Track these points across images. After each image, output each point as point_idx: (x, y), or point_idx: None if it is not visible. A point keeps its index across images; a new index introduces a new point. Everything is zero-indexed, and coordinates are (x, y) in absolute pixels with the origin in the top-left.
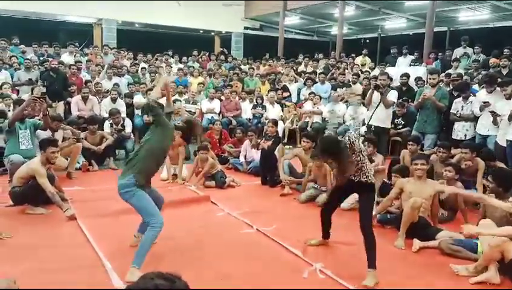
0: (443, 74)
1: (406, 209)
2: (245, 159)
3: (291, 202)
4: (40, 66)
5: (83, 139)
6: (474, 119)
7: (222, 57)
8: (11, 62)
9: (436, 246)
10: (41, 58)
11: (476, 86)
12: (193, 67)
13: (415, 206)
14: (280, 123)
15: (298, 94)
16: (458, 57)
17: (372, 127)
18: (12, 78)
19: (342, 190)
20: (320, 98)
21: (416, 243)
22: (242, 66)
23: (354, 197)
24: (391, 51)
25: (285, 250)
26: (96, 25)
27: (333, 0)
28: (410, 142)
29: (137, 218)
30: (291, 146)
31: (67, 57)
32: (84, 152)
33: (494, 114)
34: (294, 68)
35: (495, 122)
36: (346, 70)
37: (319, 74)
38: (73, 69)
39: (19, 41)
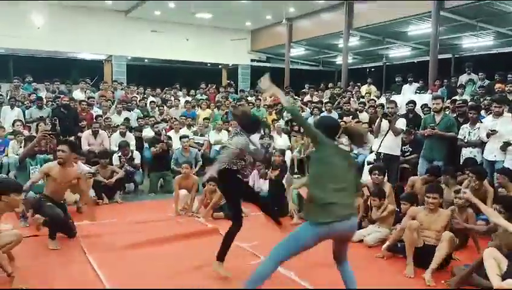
0: (448, 101)
1: (405, 234)
2: None
3: None
4: (52, 103)
5: (96, 174)
6: (482, 145)
7: (230, 89)
8: (24, 100)
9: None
10: (53, 95)
11: (482, 112)
12: (202, 99)
13: (412, 227)
14: (288, 153)
15: None
16: (463, 83)
17: (381, 155)
18: (24, 116)
19: None
20: None
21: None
22: (249, 98)
23: (378, 237)
24: (396, 79)
25: (291, 281)
26: (107, 61)
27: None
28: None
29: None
30: (300, 175)
31: (78, 94)
32: (94, 185)
33: (506, 143)
34: (300, 98)
35: (503, 149)
36: (352, 100)
37: (325, 103)
38: (83, 104)
39: (32, 79)
